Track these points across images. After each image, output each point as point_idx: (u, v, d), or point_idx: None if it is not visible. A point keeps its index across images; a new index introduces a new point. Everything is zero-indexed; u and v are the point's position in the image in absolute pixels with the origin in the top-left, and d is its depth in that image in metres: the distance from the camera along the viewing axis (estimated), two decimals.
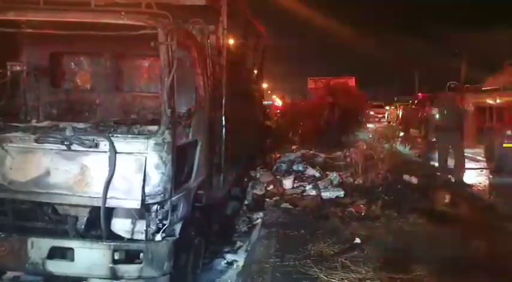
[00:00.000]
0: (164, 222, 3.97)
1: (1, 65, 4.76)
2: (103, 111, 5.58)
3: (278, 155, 12.01)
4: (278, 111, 25.24)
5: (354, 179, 8.75)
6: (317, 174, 9.13)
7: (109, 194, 3.75)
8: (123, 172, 3.78)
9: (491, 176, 10.83)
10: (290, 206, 7.20)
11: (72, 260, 3.85)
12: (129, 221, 4.04)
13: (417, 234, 5.96)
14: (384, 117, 32.02)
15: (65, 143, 3.81)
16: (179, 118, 4.23)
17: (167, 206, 3.95)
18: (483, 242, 5.60)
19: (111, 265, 3.83)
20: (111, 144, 3.76)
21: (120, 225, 4.05)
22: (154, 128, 3.98)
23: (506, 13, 26.53)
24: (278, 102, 29.60)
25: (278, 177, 8.95)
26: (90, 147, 3.80)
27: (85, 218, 4.07)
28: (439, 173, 9.77)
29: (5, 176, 3.89)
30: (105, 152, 3.77)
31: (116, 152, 3.76)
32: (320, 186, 8.12)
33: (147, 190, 3.80)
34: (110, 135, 3.85)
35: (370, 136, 12.44)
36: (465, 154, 9.71)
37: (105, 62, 5.60)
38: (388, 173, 8.73)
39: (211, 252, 5.75)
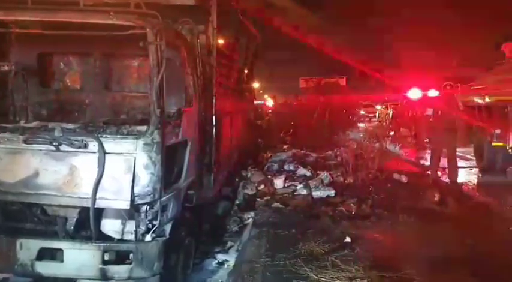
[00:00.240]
0: (154, 222, 3.97)
1: None
2: (93, 111, 5.55)
3: (269, 155, 12.03)
4: (270, 110, 25.30)
5: (344, 178, 8.78)
6: (308, 174, 9.14)
7: (98, 195, 3.75)
8: (112, 172, 3.77)
9: (480, 175, 10.93)
10: (281, 206, 7.21)
11: (62, 261, 3.85)
12: (118, 221, 4.04)
13: (407, 233, 5.99)
14: (374, 116, 32.14)
15: (54, 143, 3.80)
16: (169, 118, 4.23)
17: (157, 207, 3.95)
18: (472, 240, 5.64)
19: (100, 266, 3.83)
20: (100, 144, 3.75)
21: (110, 226, 4.04)
22: (143, 128, 3.97)
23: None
24: (270, 101, 29.64)
25: (269, 176, 8.95)
26: (79, 147, 3.79)
27: (74, 219, 4.06)
28: (429, 172, 9.84)
29: None
30: (94, 152, 3.77)
31: (105, 153, 3.75)
32: (311, 185, 8.13)
33: (136, 190, 3.80)
34: (99, 135, 3.84)
35: (361, 135, 12.47)
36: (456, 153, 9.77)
37: (95, 62, 5.57)
38: (378, 172, 8.77)
39: (202, 252, 5.76)
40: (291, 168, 9.72)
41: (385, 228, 6.13)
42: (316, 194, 7.77)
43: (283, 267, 4.78)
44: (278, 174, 9.08)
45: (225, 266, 5.65)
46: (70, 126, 4.10)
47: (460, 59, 23.29)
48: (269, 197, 7.71)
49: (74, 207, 3.98)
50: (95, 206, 3.77)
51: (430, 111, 10.21)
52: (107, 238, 4.00)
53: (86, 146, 3.79)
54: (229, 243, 6.33)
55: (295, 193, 7.97)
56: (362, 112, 30.86)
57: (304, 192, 7.92)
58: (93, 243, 3.88)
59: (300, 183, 8.36)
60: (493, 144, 10.20)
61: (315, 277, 4.53)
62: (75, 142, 3.78)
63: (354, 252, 5.22)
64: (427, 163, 10.90)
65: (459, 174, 9.41)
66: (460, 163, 10.45)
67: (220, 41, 6.15)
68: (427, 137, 16.86)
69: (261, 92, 32.39)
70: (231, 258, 5.77)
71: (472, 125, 11.27)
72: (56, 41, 4.94)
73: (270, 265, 4.84)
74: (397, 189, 8.22)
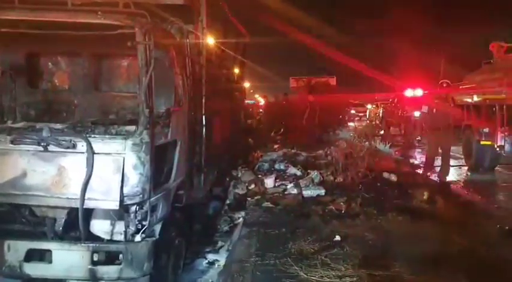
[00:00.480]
0: (143, 222, 3.95)
1: None
2: (81, 111, 5.52)
3: (260, 154, 12.02)
4: (260, 110, 25.32)
5: (334, 177, 8.82)
6: (298, 173, 9.16)
7: (87, 195, 3.73)
8: (101, 173, 3.75)
9: (469, 173, 11.03)
10: (271, 205, 7.22)
11: (50, 262, 3.83)
12: (108, 222, 4.02)
13: (396, 231, 6.02)
14: (365, 115, 32.30)
15: (42, 144, 3.76)
16: (158, 118, 4.22)
17: (146, 207, 3.94)
18: (460, 238, 5.70)
19: (90, 266, 3.81)
20: (89, 145, 3.73)
21: (99, 226, 4.03)
22: (132, 128, 3.96)
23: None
24: (261, 101, 29.67)
25: (260, 176, 8.96)
26: (68, 148, 3.76)
27: (63, 220, 4.04)
28: (421, 171, 9.90)
29: None
30: (83, 152, 3.74)
31: (93, 153, 3.73)
32: (301, 184, 8.16)
33: (125, 191, 3.78)
34: (88, 135, 3.82)
35: (351, 134, 12.51)
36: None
37: (83, 62, 5.55)
38: (368, 171, 8.82)
39: (193, 252, 5.75)
40: (282, 167, 9.73)
41: (374, 227, 6.17)
42: (306, 193, 7.80)
43: (273, 266, 4.80)
44: (269, 174, 9.10)
45: (216, 265, 5.66)
46: (58, 126, 4.07)
47: (449, 58, 23.51)
48: (260, 197, 7.72)
49: (63, 207, 3.96)
50: (84, 207, 3.75)
51: (425, 109, 10.26)
52: (96, 239, 3.98)
53: (74, 146, 3.76)
54: (220, 243, 6.34)
55: (285, 192, 7.99)
56: (353, 111, 31.05)
57: (295, 191, 7.95)
58: (82, 244, 3.86)
59: (290, 183, 8.39)
60: (481, 143, 10.30)
61: (305, 276, 4.56)
62: (64, 142, 3.75)
63: (344, 250, 5.25)
64: (416, 162, 10.98)
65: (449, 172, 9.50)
66: (450, 162, 10.52)
67: (210, 41, 6.14)
68: (418, 136, 17.02)
69: (252, 91, 32.42)
70: (221, 258, 5.78)
71: (461, 124, 11.36)
72: (44, 41, 4.89)
73: (260, 264, 4.85)
74: (387, 188, 8.26)
